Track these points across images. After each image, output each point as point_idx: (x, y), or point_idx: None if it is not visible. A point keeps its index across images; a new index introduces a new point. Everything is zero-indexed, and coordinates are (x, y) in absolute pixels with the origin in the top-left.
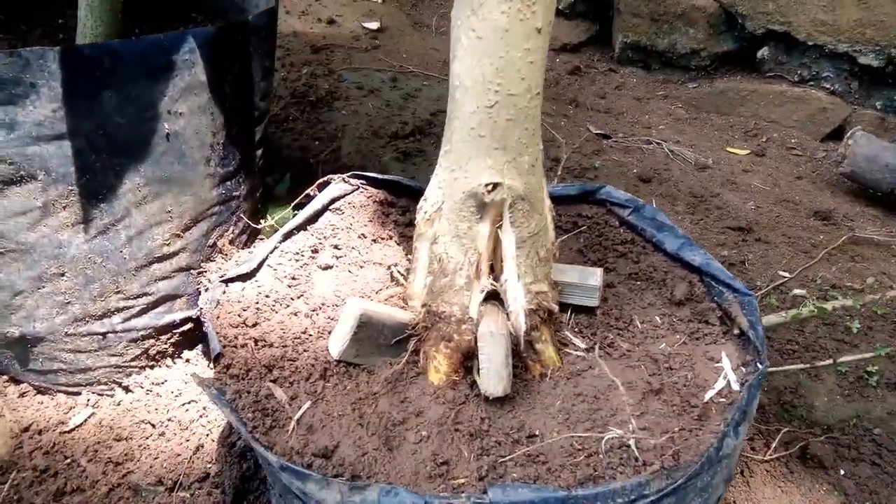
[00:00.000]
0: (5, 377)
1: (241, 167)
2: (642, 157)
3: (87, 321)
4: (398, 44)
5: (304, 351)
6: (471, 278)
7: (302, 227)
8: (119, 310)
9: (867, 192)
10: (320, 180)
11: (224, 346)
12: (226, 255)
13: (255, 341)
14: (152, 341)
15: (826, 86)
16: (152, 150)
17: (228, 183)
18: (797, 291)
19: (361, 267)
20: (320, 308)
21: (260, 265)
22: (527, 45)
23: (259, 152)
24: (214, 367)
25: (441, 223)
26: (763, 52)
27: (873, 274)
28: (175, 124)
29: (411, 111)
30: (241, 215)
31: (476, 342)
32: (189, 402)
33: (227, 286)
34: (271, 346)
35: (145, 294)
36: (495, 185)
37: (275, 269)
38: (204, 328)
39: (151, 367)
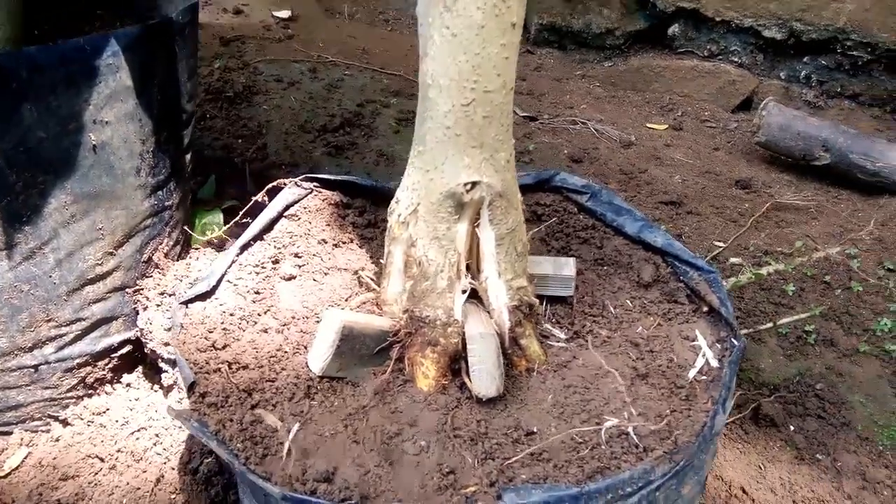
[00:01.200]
0: None
1: (172, 175)
2: (570, 137)
3: (17, 355)
4: (313, 33)
5: (283, 370)
6: (452, 280)
7: (258, 237)
8: (51, 339)
9: (780, 159)
10: (270, 185)
11: (196, 373)
12: (162, 269)
13: (229, 365)
14: (89, 369)
15: (734, 59)
16: (79, 164)
17: (160, 193)
18: (733, 260)
19: (326, 274)
20: (291, 322)
21: (219, 282)
22: (502, 41)
23: (188, 157)
24: (189, 396)
25: (418, 225)
26: (674, 29)
27: (798, 237)
28: (102, 134)
29: (337, 103)
30: (175, 226)
31: (463, 344)
32: (139, 430)
33: (187, 307)
34: (246, 367)
35: (79, 319)
36: (474, 184)
37: (235, 285)
38: (147, 352)
39: (90, 396)
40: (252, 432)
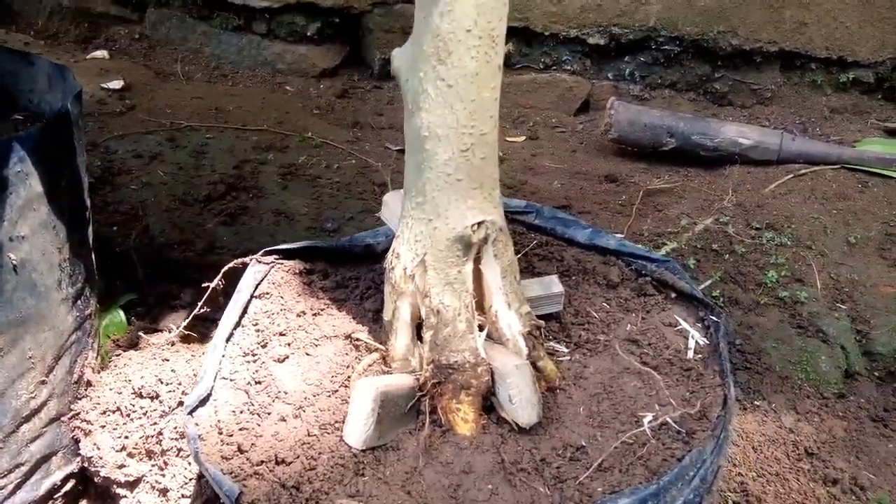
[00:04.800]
0: None
1: (87, 280)
2: None
3: None
4: (153, 100)
5: (320, 454)
6: (469, 321)
7: (238, 323)
8: None
9: (630, 150)
10: (225, 268)
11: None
12: (94, 385)
13: (266, 464)
14: None
15: (567, 67)
16: (1, 289)
17: (79, 302)
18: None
19: (317, 346)
20: (304, 404)
21: (214, 380)
22: (493, 84)
23: (93, 257)
24: None
25: (428, 275)
26: (509, 47)
27: (678, 216)
28: (20, 250)
29: (209, 169)
30: (95, 335)
31: (493, 379)
32: None
33: (193, 417)
34: (284, 462)
35: (17, 466)
36: (480, 224)
37: (232, 380)
38: (98, 481)
39: None
40: None
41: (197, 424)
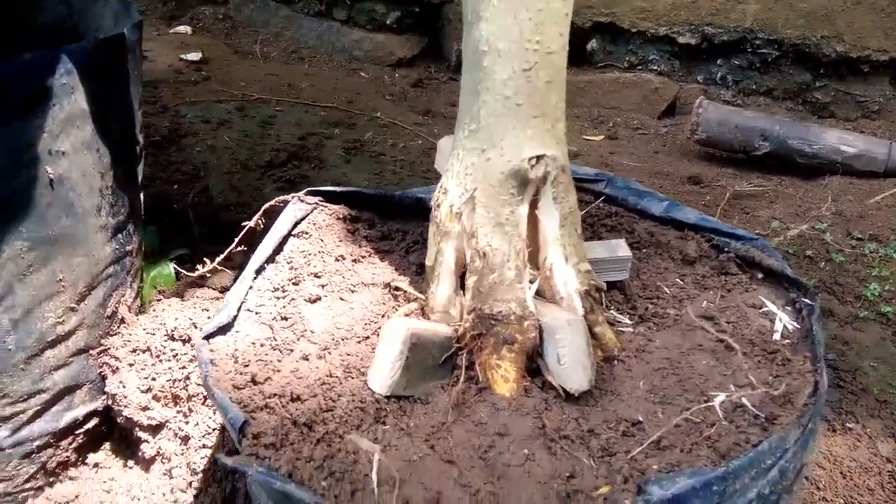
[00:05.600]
0: None
1: (131, 215)
2: None
3: None
4: (229, 73)
5: (340, 396)
6: (520, 269)
7: (270, 259)
8: (5, 419)
9: (717, 155)
10: (267, 205)
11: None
12: (129, 324)
13: (279, 398)
14: (50, 451)
15: (654, 68)
16: (35, 203)
17: (120, 236)
18: None
19: (352, 291)
20: (331, 345)
21: (238, 311)
22: None
23: (142, 197)
24: (240, 440)
25: (477, 213)
26: (592, 44)
27: (768, 220)
28: (59, 166)
29: (275, 138)
30: (136, 275)
31: (540, 339)
32: None
33: (209, 343)
34: (299, 399)
35: (39, 392)
36: (539, 158)
37: (257, 313)
38: (120, 422)
39: (52, 485)
40: (331, 468)
41: (212, 350)
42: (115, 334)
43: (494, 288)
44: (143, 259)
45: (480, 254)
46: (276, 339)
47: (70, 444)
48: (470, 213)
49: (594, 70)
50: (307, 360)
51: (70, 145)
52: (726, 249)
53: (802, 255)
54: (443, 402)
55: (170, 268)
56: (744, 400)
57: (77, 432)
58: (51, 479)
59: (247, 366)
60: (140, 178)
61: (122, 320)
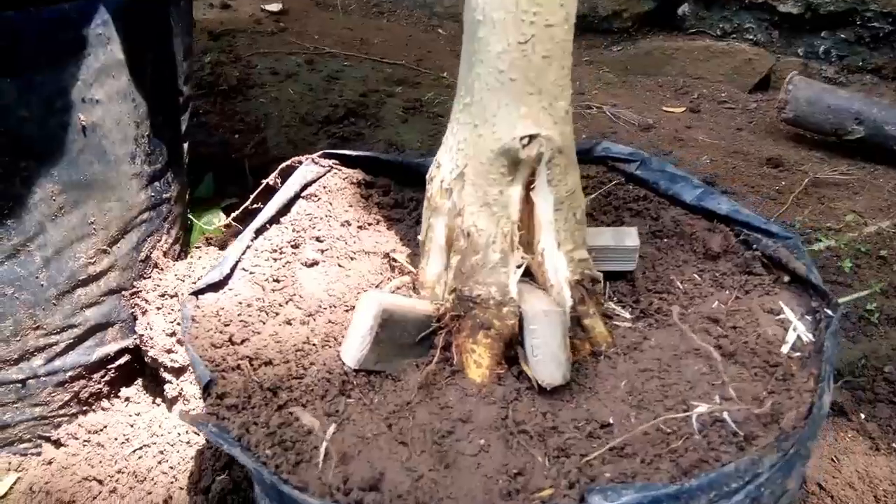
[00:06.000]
0: None
1: (170, 164)
2: (586, 122)
3: (1, 368)
4: (306, 25)
5: (312, 364)
6: (506, 252)
7: (274, 219)
8: (40, 349)
9: (807, 136)
10: (283, 165)
11: (212, 372)
12: (162, 269)
13: (250, 361)
14: (83, 382)
15: (749, 37)
16: (67, 149)
17: (157, 184)
18: None
19: (352, 259)
20: (317, 312)
21: (232, 270)
22: None
23: (185, 146)
24: (205, 398)
25: (465, 191)
26: (683, 8)
27: (845, 212)
28: (92, 114)
29: (338, 94)
30: (174, 222)
31: (520, 327)
32: (141, 448)
33: (198, 299)
34: (270, 363)
35: (71, 326)
36: (532, 138)
37: (251, 273)
38: (147, 361)
39: (85, 413)
40: (282, 436)
41: (198, 307)
42: (148, 278)
43: (476, 270)
44: (186, 206)
45: (465, 233)
46: (264, 301)
47: (102, 377)
48: (459, 191)
49: (683, 36)
50: (290, 324)
51: (104, 94)
52: (754, 246)
53: (875, 255)
54: (413, 380)
55: (220, 216)
56: (725, 414)
57: (109, 367)
58: (83, 408)
59: (227, 325)
60: (183, 127)
61: (156, 265)
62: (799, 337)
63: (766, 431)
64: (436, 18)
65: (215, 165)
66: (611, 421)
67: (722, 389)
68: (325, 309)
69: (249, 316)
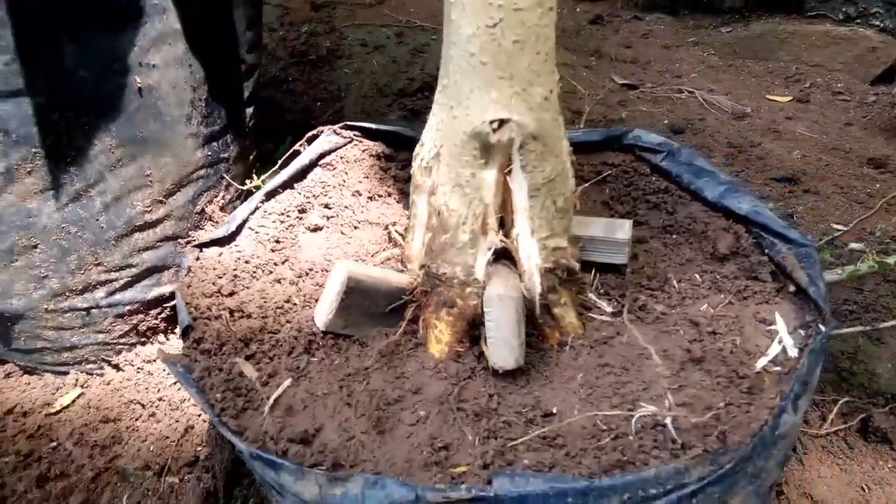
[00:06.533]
0: None
1: (229, 127)
2: (673, 106)
3: (68, 296)
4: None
5: (287, 322)
6: (476, 234)
7: (288, 184)
8: (101, 283)
9: None
10: (310, 133)
11: (195, 318)
12: (216, 222)
13: (231, 312)
14: (141, 316)
15: (875, 23)
16: (123, 107)
17: (215, 144)
18: (854, 245)
19: (356, 228)
20: (307, 274)
21: (240, 228)
22: None
23: (250, 111)
24: (183, 341)
25: (440, 171)
26: None
27: None
28: (148, 77)
29: (419, 67)
30: (233, 180)
31: (483, 307)
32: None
33: (201, 251)
34: (249, 316)
35: (129, 266)
36: (502, 122)
37: (256, 232)
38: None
39: (143, 344)
40: (238, 384)
41: (198, 259)
42: (202, 229)
43: (445, 248)
44: (250, 166)
45: (437, 212)
46: (261, 259)
47: (158, 314)
48: (436, 170)
49: (801, 19)
50: (279, 283)
51: (161, 59)
52: (767, 251)
53: None
54: (377, 347)
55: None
56: (667, 420)
57: (165, 306)
58: (141, 339)
59: (220, 278)
60: (247, 94)
61: (212, 218)
62: (784, 350)
63: (703, 443)
64: None
65: (296, 130)
66: (554, 411)
67: (677, 395)
68: (317, 272)
69: (244, 272)
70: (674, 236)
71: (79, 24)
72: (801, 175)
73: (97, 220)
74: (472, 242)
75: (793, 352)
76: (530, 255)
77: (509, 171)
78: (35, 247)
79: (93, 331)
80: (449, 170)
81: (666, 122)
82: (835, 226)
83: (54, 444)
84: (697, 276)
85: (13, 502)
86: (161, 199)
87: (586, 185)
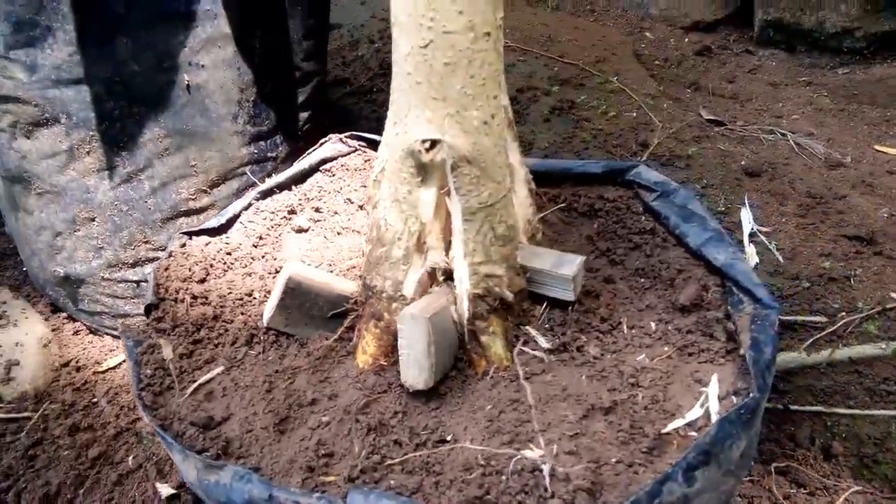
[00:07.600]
0: (64, 315)
1: (279, 128)
2: (759, 148)
3: (120, 268)
4: (506, 18)
5: (242, 314)
6: (409, 251)
7: (286, 185)
8: (149, 260)
9: None
10: (322, 140)
11: (162, 299)
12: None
13: (195, 297)
14: None
15: None
16: (172, 101)
17: (262, 143)
18: None
19: (339, 234)
20: (278, 272)
21: (231, 221)
22: None
23: (305, 115)
24: (146, 317)
25: (383, 185)
26: None
27: None
28: (196, 76)
29: None
30: None
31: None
32: None
33: (189, 239)
34: (209, 304)
35: None
36: (434, 143)
37: (245, 227)
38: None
39: None
40: (175, 364)
41: (182, 245)
42: None
43: (380, 262)
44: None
45: (376, 225)
46: (241, 252)
47: None
48: (380, 184)
49: None
50: (249, 276)
51: (210, 61)
52: (730, 308)
53: None
54: (312, 350)
55: None
56: (544, 466)
57: None
58: None
59: (197, 265)
60: (302, 99)
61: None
62: (707, 414)
63: (571, 496)
64: (648, 20)
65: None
66: (448, 438)
67: (571, 444)
68: None
69: (221, 262)
70: (642, 280)
71: (135, 23)
72: (878, 236)
73: (145, 202)
74: (406, 259)
75: (714, 416)
76: (462, 279)
77: (447, 192)
78: (93, 219)
79: (143, 302)
80: (389, 185)
81: (742, 163)
82: (893, 295)
83: (92, 399)
84: (652, 325)
85: (49, 443)
86: (205, 188)
87: (547, 212)
